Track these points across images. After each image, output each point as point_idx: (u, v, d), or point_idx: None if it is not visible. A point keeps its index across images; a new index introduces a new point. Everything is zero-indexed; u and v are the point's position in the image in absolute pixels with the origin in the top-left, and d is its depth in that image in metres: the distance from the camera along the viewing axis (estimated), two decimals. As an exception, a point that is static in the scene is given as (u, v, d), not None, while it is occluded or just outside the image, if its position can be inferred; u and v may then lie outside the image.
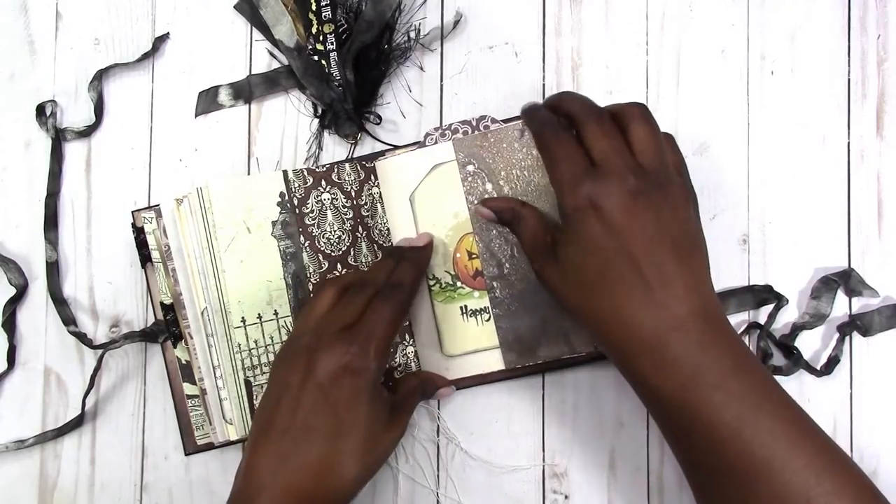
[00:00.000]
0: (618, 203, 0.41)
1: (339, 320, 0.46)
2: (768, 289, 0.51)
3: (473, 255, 0.51)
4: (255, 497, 0.42)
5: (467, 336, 0.51)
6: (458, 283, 0.51)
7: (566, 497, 0.52)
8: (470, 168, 0.51)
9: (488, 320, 0.51)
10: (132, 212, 0.55)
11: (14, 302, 0.56)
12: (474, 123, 0.52)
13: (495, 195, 0.50)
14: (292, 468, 0.43)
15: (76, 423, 0.54)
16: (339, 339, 0.44)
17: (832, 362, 0.50)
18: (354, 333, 0.44)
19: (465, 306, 0.51)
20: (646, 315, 0.40)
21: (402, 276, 0.48)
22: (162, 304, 0.52)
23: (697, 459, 0.41)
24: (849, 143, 0.52)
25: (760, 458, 0.38)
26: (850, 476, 0.39)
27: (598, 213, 0.41)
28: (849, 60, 0.52)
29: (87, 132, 0.57)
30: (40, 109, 0.57)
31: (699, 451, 0.40)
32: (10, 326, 0.56)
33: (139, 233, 0.53)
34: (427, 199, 0.51)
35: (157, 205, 0.52)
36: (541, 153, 0.45)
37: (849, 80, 0.52)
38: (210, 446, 0.53)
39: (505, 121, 0.52)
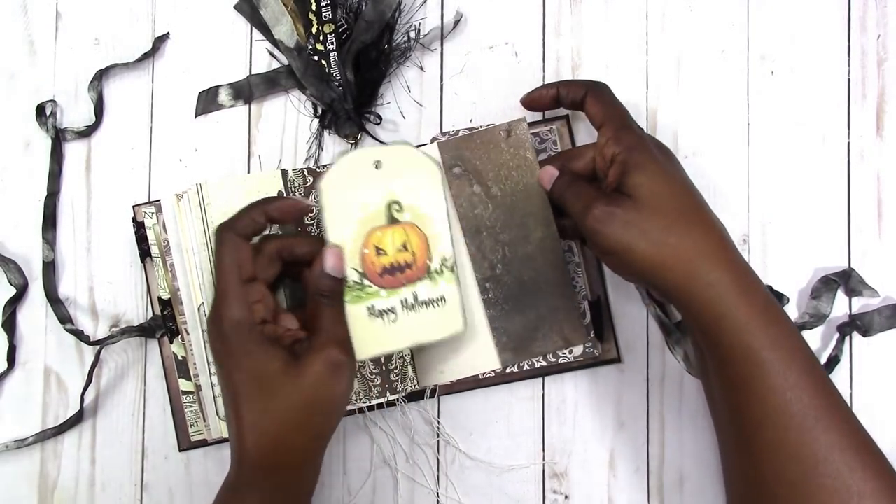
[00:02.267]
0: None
1: None
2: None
3: (382, 251, 0.47)
4: (234, 462, 0.43)
5: (374, 337, 0.47)
6: (366, 282, 0.47)
7: (566, 497, 0.52)
8: (456, 170, 0.50)
9: (395, 321, 0.47)
10: (133, 206, 0.55)
11: (14, 302, 0.56)
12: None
13: (483, 196, 0.49)
14: (233, 433, 0.43)
15: (75, 420, 0.54)
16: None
17: (832, 362, 0.50)
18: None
19: (373, 306, 0.47)
20: (729, 240, 0.43)
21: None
22: (159, 299, 0.53)
23: (752, 416, 0.41)
24: (849, 143, 0.52)
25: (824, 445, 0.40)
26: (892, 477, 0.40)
27: (651, 144, 0.45)
28: (849, 60, 0.52)
29: (87, 132, 0.57)
30: (40, 109, 0.57)
31: (758, 404, 0.41)
32: (10, 326, 0.56)
33: (139, 227, 0.53)
34: (336, 189, 0.47)
35: (158, 200, 0.52)
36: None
37: (849, 79, 0.52)
38: (204, 443, 0.53)
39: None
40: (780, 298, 0.51)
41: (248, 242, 0.44)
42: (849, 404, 0.50)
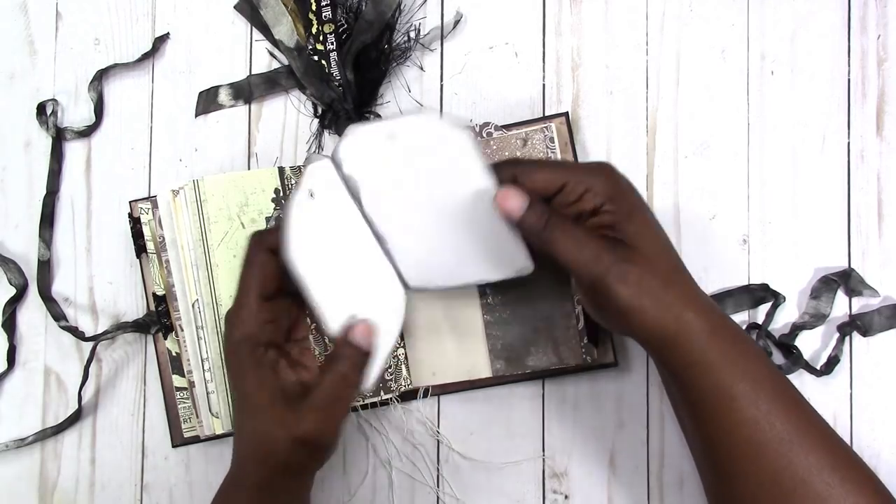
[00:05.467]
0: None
1: None
2: (765, 287, 0.51)
3: None
4: (234, 459, 0.44)
5: None
6: None
7: (566, 497, 0.52)
8: None
9: None
10: (129, 202, 0.55)
11: (14, 302, 0.56)
12: (477, 129, 0.52)
13: None
14: (235, 435, 0.45)
15: (74, 418, 0.54)
16: None
17: (832, 362, 0.50)
18: None
19: None
20: (692, 278, 0.43)
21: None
22: (154, 294, 0.53)
23: (729, 442, 0.41)
24: (849, 143, 0.52)
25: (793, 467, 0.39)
26: (867, 479, 0.40)
27: (638, 198, 0.43)
28: (849, 60, 0.52)
29: (87, 132, 0.57)
30: (41, 108, 0.57)
31: (733, 434, 0.41)
32: (10, 326, 0.56)
33: (135, 223, 0.53)
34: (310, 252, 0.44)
35: (155, 196, 0.52)
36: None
37: (849, 80, 0.52)
38: (197, 439, 0.53)
39: (506, 127, 0.52)
40: (777, 298, 0.51)
41: (277, 257, 0.41)
42: (849, 403, 0.51)
